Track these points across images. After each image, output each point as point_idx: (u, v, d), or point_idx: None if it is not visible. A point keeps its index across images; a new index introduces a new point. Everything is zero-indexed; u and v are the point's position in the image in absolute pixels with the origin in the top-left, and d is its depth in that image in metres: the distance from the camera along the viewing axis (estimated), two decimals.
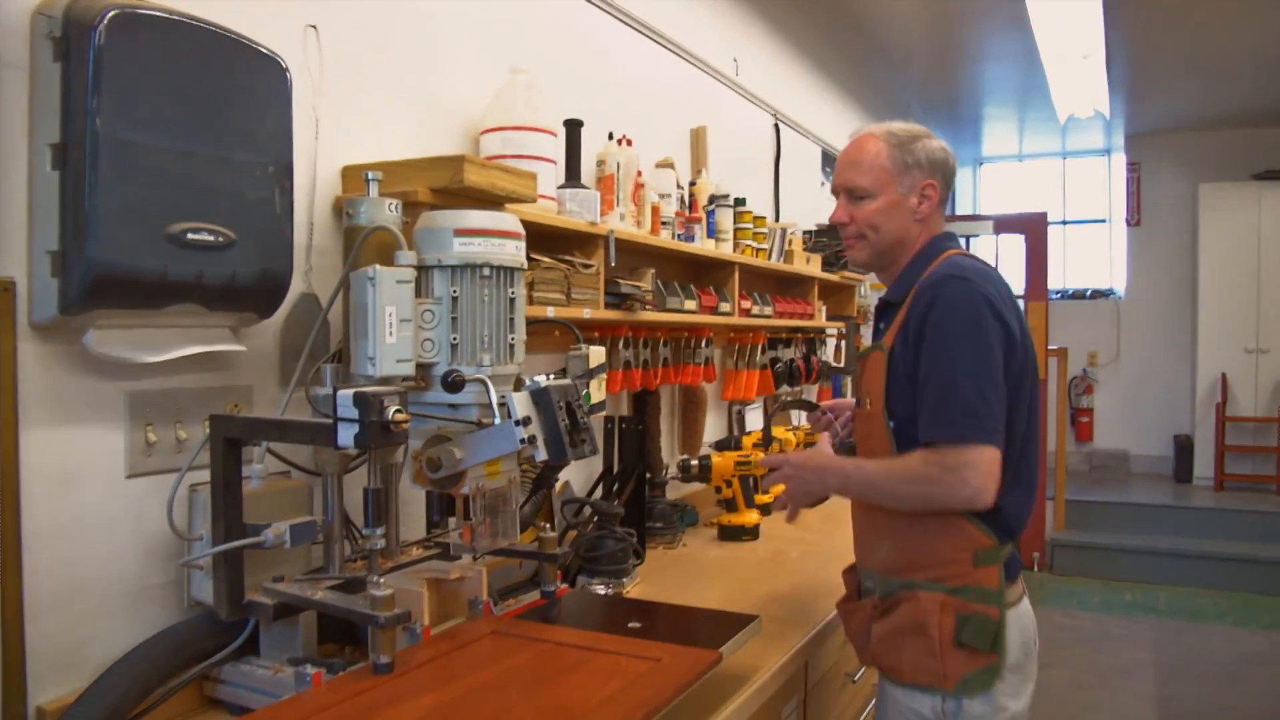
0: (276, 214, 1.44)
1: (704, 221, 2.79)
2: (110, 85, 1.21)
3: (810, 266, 3.65)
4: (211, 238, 1.34)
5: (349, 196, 1.53)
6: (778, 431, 3.38)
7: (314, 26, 1.67)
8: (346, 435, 1.22)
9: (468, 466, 1.38)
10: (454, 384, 1.34)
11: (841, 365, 4.41)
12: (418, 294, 1.40)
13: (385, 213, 1.51)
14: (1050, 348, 6.23)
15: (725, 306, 2.91)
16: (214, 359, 1.48)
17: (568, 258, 2.10)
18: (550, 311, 2.02)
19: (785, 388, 3.73)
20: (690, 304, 2.68)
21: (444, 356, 1.41)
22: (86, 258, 1.20)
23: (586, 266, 2.15)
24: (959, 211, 7.81)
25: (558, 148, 2.07)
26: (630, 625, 1.60)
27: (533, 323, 1.98)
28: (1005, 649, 1.58)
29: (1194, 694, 4.23)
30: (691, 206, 2.77)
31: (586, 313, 2.14)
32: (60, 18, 1.21)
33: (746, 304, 3.10)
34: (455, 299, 1.42)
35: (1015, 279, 6.79)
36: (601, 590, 2.08)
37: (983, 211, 8.22)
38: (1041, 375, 6.34)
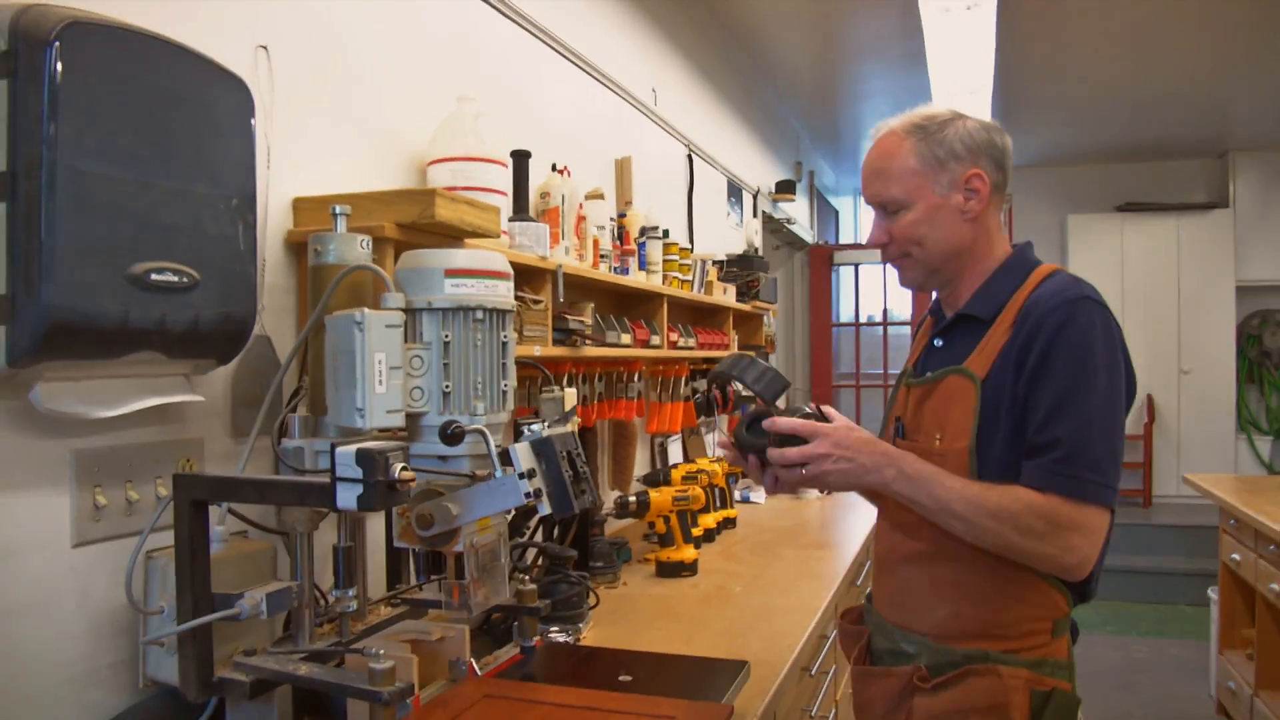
0: (240, 251, 1.31)
1: (636, 254, 2.75)
2: (68, 107, 1.07)
3: (726, 297, 3.66)
4: (175, 278, 1.20)
5: (316, 232, 1.42)
6: (701, 463, 3.36)
7: (264, 47, 1.54)
8: (348, 496, 1.11)
9: (464, 524, 1.29)
10: (454, 436, 1.24)
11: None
12: (404, 339, 1.30)
13: (357, 250, 1.41)
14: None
15: (655, 339, 2.87)
16: (164, 411, 1.34)
17: (519, 294, 2.01)
18: None
19: (703, 417, 3.71)
20: (625, 338, 2.63)
21: (434, 405, 1.31)
22: (41, 303, 1.06)
23: (536, 302, 2.07)
24: (842, 240, 8.03)
25: (506, 179, 1.99)
26: (621, 679, 1.52)
27: None
28: None
29: (1091, 701, 4.40)
30: (623, 238, 2.73)
31: (537, 350, 2.06)
32: (7, 29, 1.07)
33: (674, 336, 3.07)
34: (447, 344, 1.32)
35: (904, 309, 7.04)
36: (560, 638, 1.99)
37: (864, 240, 8.48)
38: None
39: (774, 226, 5.58)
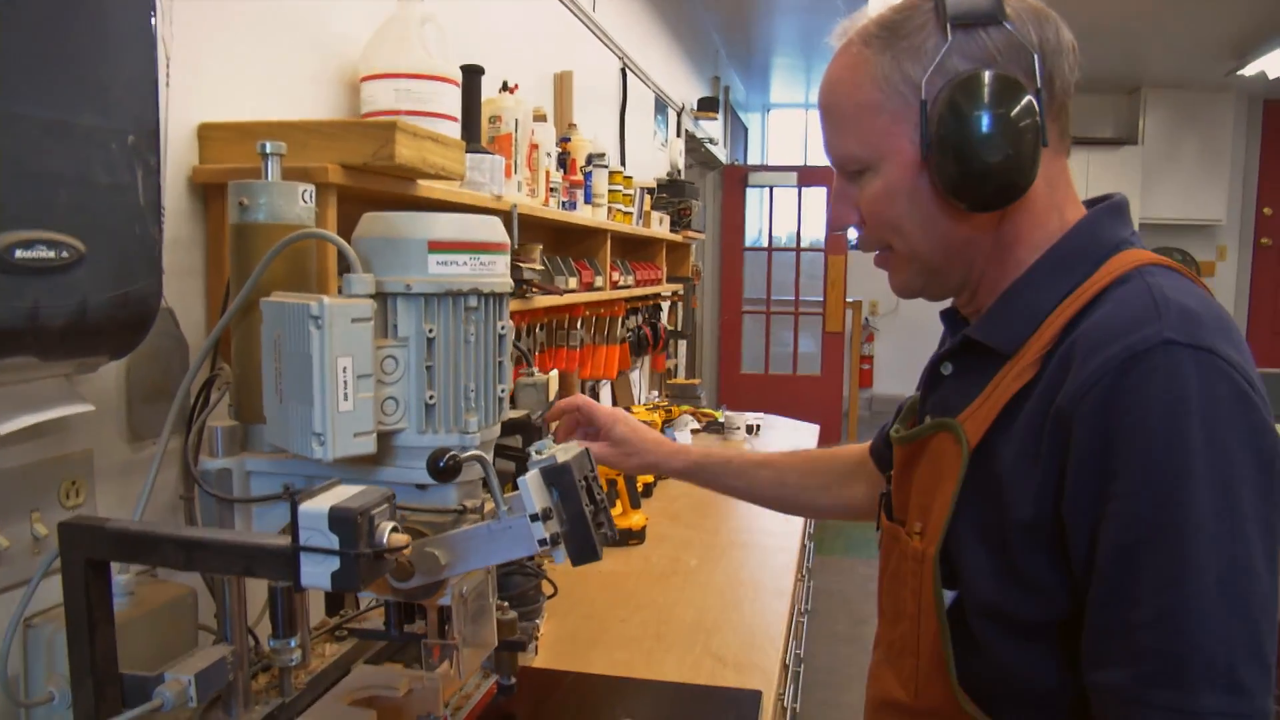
0: (139, 207, 0.95)
1: (583, 185, 2.43)
2: None
3: (661, 228, 3.37)
4: (51, 253, 0.85)
5: (239, 178, 1.05)
6: (638, 411, 3.11)
7: None
8: (318, 572, 0.80)
9: (455, 575, 0.99)
10: (449, 471, 0.92)
11: (679, 329, 4.19)
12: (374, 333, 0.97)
13: (297, 205, 1.05)
14: (848, 300, 6.35)
15: (599, 280, 2.58)
16: (43, 421, 0.98)
17: None
18: None
19: (635, 358, 3.46)
20: (573, 281, 2.33)
21: (413, 420, 0.98)
22: None
23: None
24: (750, 161, 7.78)
25: (456, 101, 1.64)
26: None
27: None
28: None
29: None
30: (569, 167, 2.39)
31: None
32: None
33: (615, 275, 2.77)
34: (431, 340, 0.98)
35: (817, 232, 6.88)
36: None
37: (771, 159, 8.27)
38: (839, 329, 6.53)
39: (692, 146, 5.28)
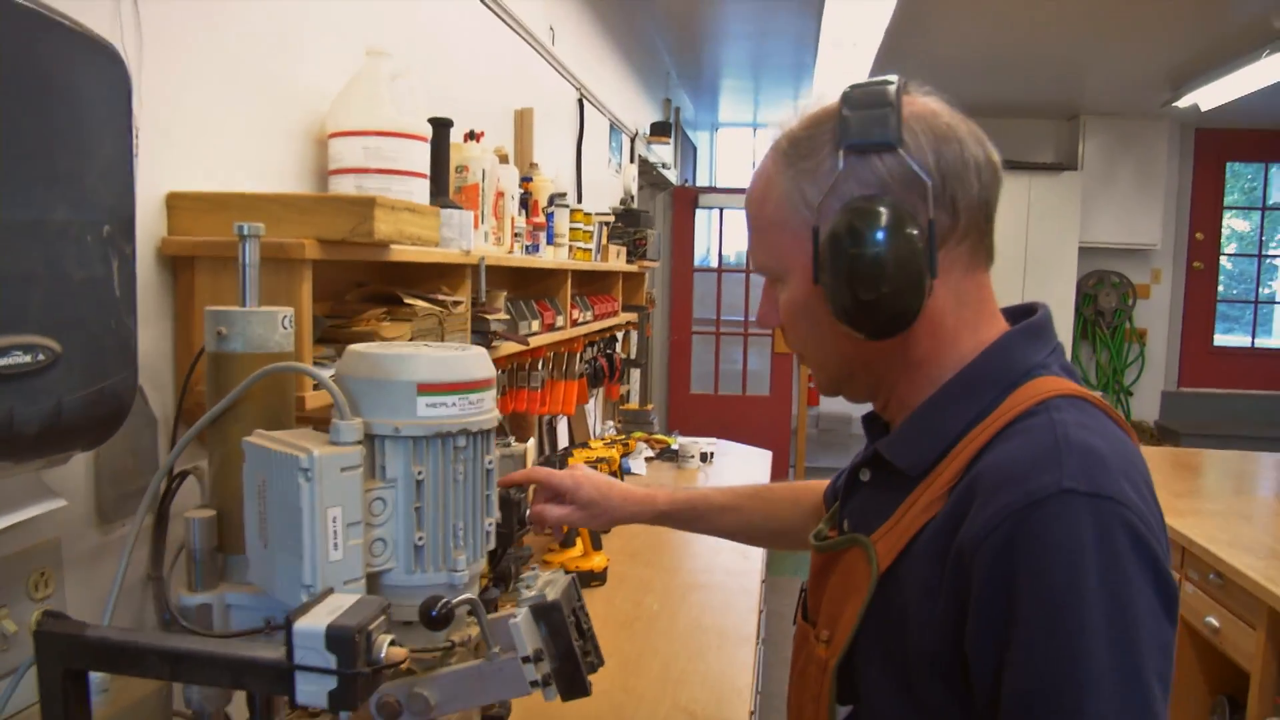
0: (114, 300, 0.92)
1: (546, 227, 2.42)
2: None
3: (618, 261, 3.37)
4: (27, 358, 0.82)
5: (219, 309, 1.01)
6: (595, 446, 3.11)
7: None
8: (315, 691, 0.78)
9: (444, 715, 0.98)
10: (441, 620, 0.91)
11: (633, 358, 4.20)
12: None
13: (277, 333, 1.03)
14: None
15: (560, 320, 2.57)
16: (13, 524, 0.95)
17: (440, 297, 1.67)
18: None
19: (591, 390, 3.45)
20: (535, 324, 2.32)
21: (402, 561, 0.97)
22: None
23: (456, 304, 1.72)
24: (699, 178, 7.82)
25: (426, 156, 1.62)
26: None
27: None
28: None
29: None
30: (531, 209, 2.38)
31: None
32: None
33: (575, 313, 2.77)
34: (420, 482, 0.97)
35: None
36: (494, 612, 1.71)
37: (720, 177, 8.32)
38: (788, 350, 6.59)
39: (644, 169, 5.29)
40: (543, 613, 0.93)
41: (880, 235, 0.82)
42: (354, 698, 0.78)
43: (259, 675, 0.80)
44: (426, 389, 0.95)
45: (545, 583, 0.97)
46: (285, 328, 1.03)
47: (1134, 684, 0.74)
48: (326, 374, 0.97)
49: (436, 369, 0.96)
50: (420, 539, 0.97)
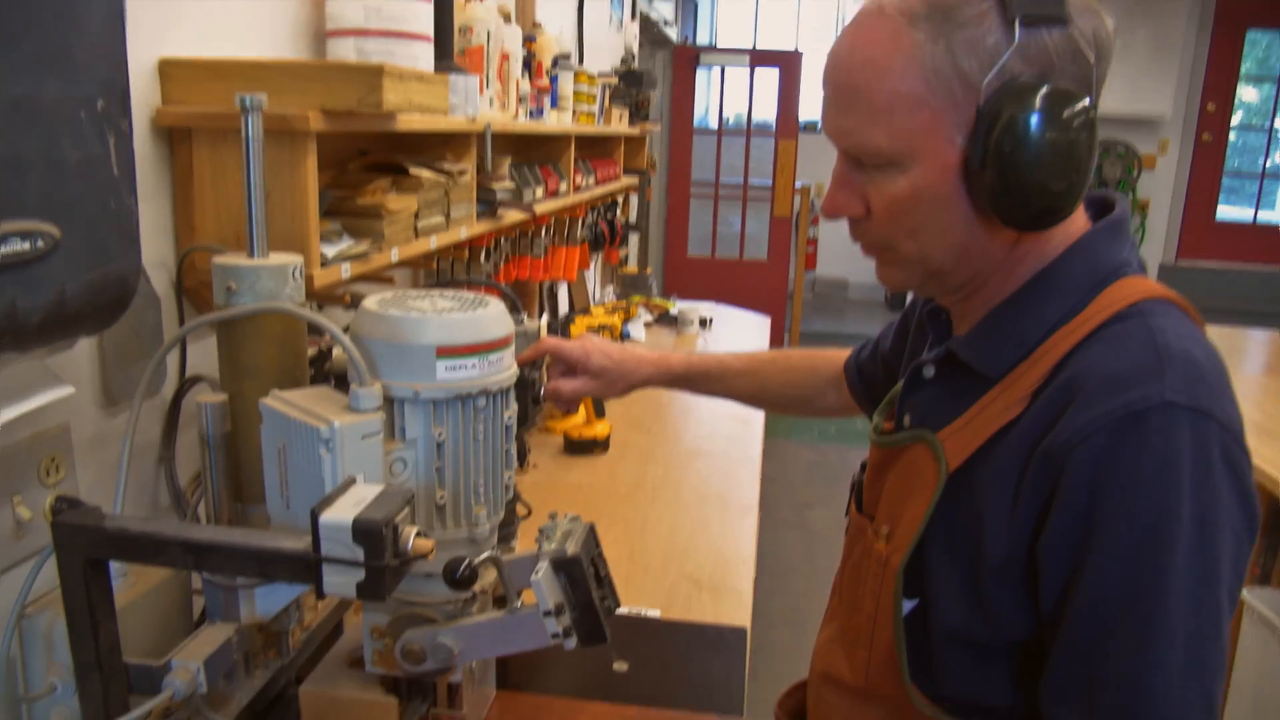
0: (113, 179, 0.88)
1: (550, 90, 2.32)
2: None
3: (620, 124, 3.27)
4: (25, 245, 0.78)
5: (227, 262, 0.98)
6: (597, 313, 3.09)
7: None
8: (343, 582, 0.78)
9: (466, 663, 1.00)
10: (465, 581, 0.90)
11: (633, 222, 4.13)
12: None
13: (287, 285, 1.00)
14: (797, 185, 6.29)
15: (563, 186, 2.50)
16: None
17: (446, 166, 1.61)
18: (433, 242, 1.55)
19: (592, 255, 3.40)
20: (539, 191, 2.26)
21: (423, 520, 0.98)
22: None
23: (461, 174, 1.67)
24: (699, 38, 7.53)
25: (429, 16, 1.53)
26: (616, 667, 1.31)
27: (404, 265, 1.52)
28: None
29: None
30: (535, 71, 2.28)
31: (464, 232, 1.69)
32: None
33: (578, 178, 2.69)
34: (440, 444, 0.97)
35: (768, 114, 6.74)
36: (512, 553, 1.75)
37: (721, 38, 8.00)
38: (787, 213, 6.50)
39: (645, 26, 5.08)
40: (563, 565, 0.94)
41: (1066, 125, 0.77)
42: (382, 589, 0.78)
43: (286, 566, 0.80)
44: (446, 352, 0.94)
45: (564, 533, 0.98)
46: (295, 279, 1.01)
47: (1209, 601, 0.75)
48: (341, 330, 0.95)
49: (455, 332, 0.95)
50: (441, 498, 0.98)
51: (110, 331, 1.07)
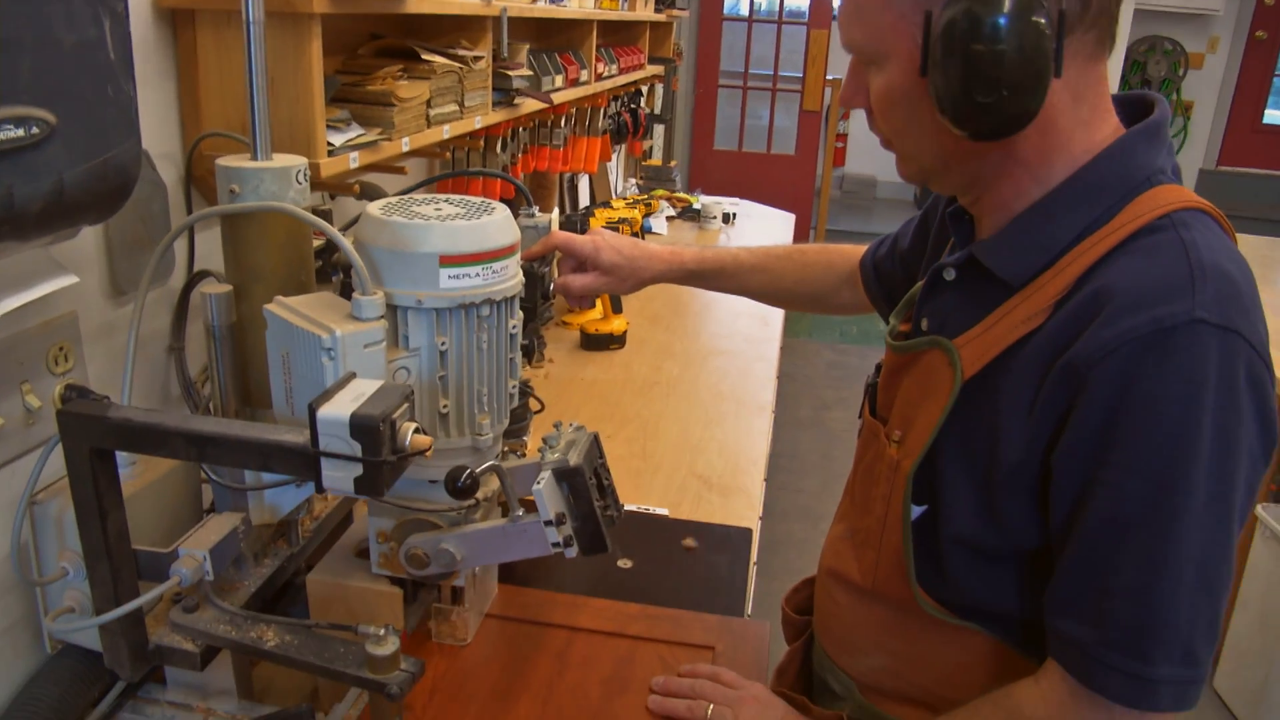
0: (109, 64, 0.85)
1: None
2: None
3: (646, 10, 3.15)
4: (19, 131, 0.76)
5: (231, 165, 0.96)
6: (617, 206, 3.04)
7: None
8: (341, 477, 0.79)
9: (469, 568, 1.02)
10: (466, 490, 0.90)
11: (658, 113, 4.03)
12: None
13: (291, 189, 0.98)
14: (828, 77, 6.11)
15: (584, 74, 2.43)
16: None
17: (460, 52, 1.56)
18: (446, 131, 1.52)
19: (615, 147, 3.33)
20: (559, 80, 2.19)
21: (425, 428, 0.96)
22: None
23: (477, 60, 1.62)
24: None
25: None
26: (620, 564, 1.33)
27: (416, 155, 1.49)
28: None
29: None
30: None
31: (478, 121, 1.65)
32: None
33: (600, 66, 2.62)
34: (444, 352, 0.96)
35: (800, 2, 6.50)
36: (516, 459, 1.76)
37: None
38: (817, 107, 6.32)
39: None
40: (565, 476, 0.94)
41: (1004, 26, 0.72)
42: (380, 484, 0.79)
43: (286, 459, 0.81)
44: (449, 261, 0.93)
45: (568, 443, 0.98)
46: (300, 182, 1.00)
47: (1223, 520, 0.75)
48: (347, 240, 0.93)
49: (459, 240, 0.93)
50: (445, 407, 0.98)
51: (115, 220, 1.06)
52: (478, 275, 0.95)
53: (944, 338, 0.88)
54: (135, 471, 0.99)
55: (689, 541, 1.38)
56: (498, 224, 0.96)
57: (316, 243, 1.18)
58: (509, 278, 0.99)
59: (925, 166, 0.88)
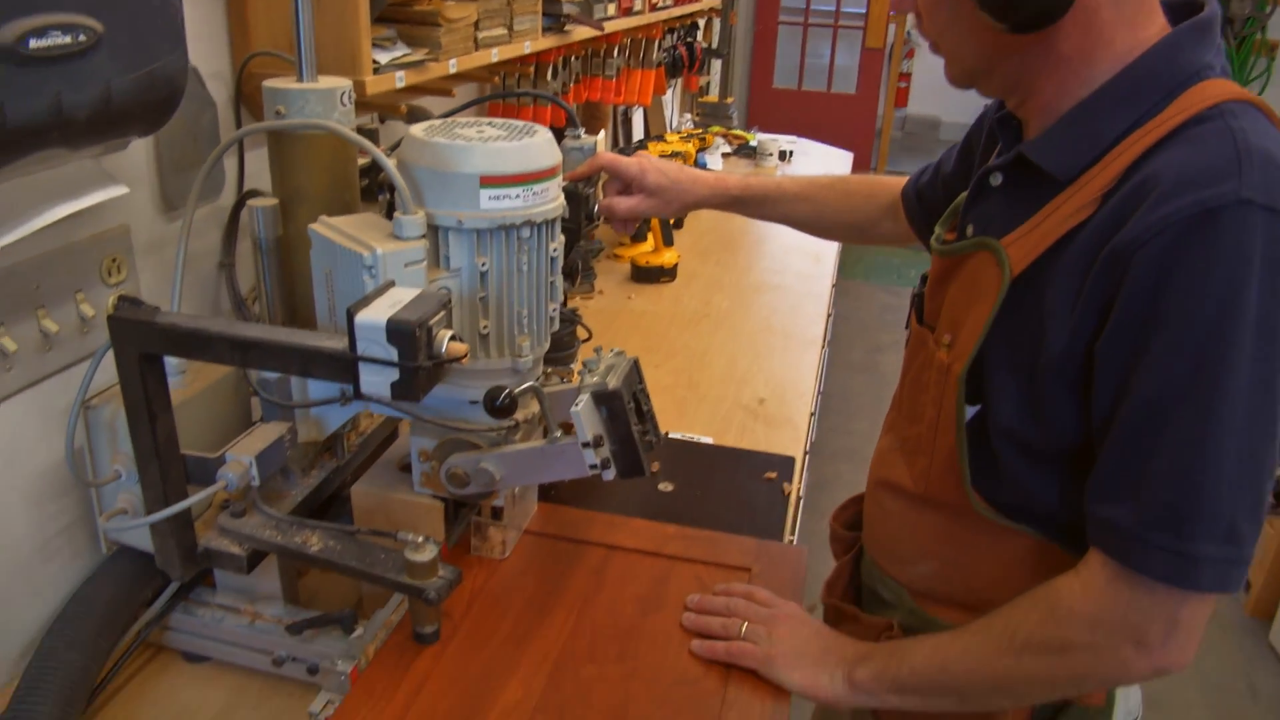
0: None
1: None
2: None
3: None
4: (67, 38, 0.77)
5: (276, 86, 0.97)
6: (671, 140, 3.01)
7: None
8: (378, 382, 0.80)
9: (508, 488, 1.03)
10: (505, 410, 0.93)
11: (715, 48, 3.96)
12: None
13: (336, 108, 0.99)
14: (892, 13, 5.93)
15: (638, 3, 2.39)
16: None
17: None
18: (494, 54, 1.51)
19: (670, 80, 3.28)
20: (611, 8, 2.16)
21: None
22: None
23: None
24: None
25: None
26: (661, 487, 1.34)
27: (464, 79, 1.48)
28: None
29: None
30: None
31: (528, 45, 1.64)
32: None
33: None
34: (484, 273, 0.97)
35: None
36: (558, 384, 1.78)
37: None
38: (880, 44, 6.15)
39: None
40: (604, 399, 0.94)
41: None
42: (415, 389, 0.80)
43: (325, 364, 0.82)
44: (489, 181, 0.93)
45: (608, 367, 0.98)
46: (344, 104, 1.00)
47: (1266, 404, 0.75)
48: (388, 159, 0.93)
49: (499, 160, 0.93)
50: (485, 327, 0.99)
51: (165, 135, 1.08)
52: (518, 197, 0.95)
53: (990, 238, 0.89)
54: (185, 381, 1.01)
55: (771, 475, 1.38)
56: (539, 146, 0.96)
57: (362, 162, 1.19)
58: (550, 200, 0.99)
59: (969, 67, 0.88)
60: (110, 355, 0.86)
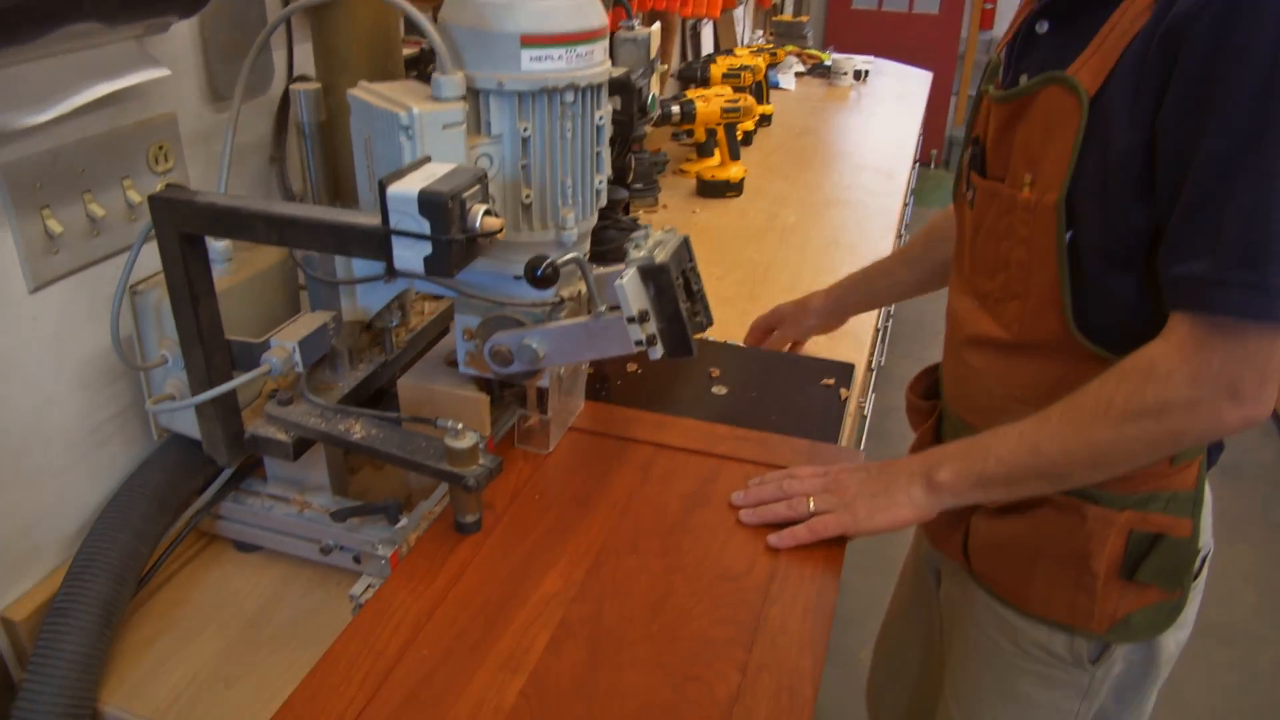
0: None
1: None
2: None
3: None
4: None
5: None
6: (740, 54, 2.92)
7: None
8: (411, 256, 0.78)
9: (552, 366, 1.01)
10: (546, 279, 0.89)
11: None
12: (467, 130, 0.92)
13: None
14: None
15: None
16: (117, 90, 0.94)
17: None
18: None
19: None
20: None
21: (510, 219, 0.95)
22: None
23: None
24: None
25: None
26: (715, 390, 1.31)
27: None
28: (1192, 582, 1.03)
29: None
30: None
31: None
32: None
33: None
34: (526, 139, 0.93)
35: None
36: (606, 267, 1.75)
37: None
38: None
39: None
40: (651, 275, 0.91)
41: None
42: (448, 264, 0.78)
43: (359, 240, 0.81)
44: (531, 41, 0.89)
45: (656, 243, 0.94)
46: None
47: None
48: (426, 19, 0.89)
49: (541, 19, 0.89)
50: (528, 197, 0.96)
51: (210, 21, 1.07)
52: (561, 58, 0.90)
53: (1056, 70, 0.89)
54: (231, 268, 1.01)
55: (829, 380, 1.34)
56: (583, 5, 0.92)
57: (408, 52, 1.17)
58: (595, 64, 0.94)
59: None
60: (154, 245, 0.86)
